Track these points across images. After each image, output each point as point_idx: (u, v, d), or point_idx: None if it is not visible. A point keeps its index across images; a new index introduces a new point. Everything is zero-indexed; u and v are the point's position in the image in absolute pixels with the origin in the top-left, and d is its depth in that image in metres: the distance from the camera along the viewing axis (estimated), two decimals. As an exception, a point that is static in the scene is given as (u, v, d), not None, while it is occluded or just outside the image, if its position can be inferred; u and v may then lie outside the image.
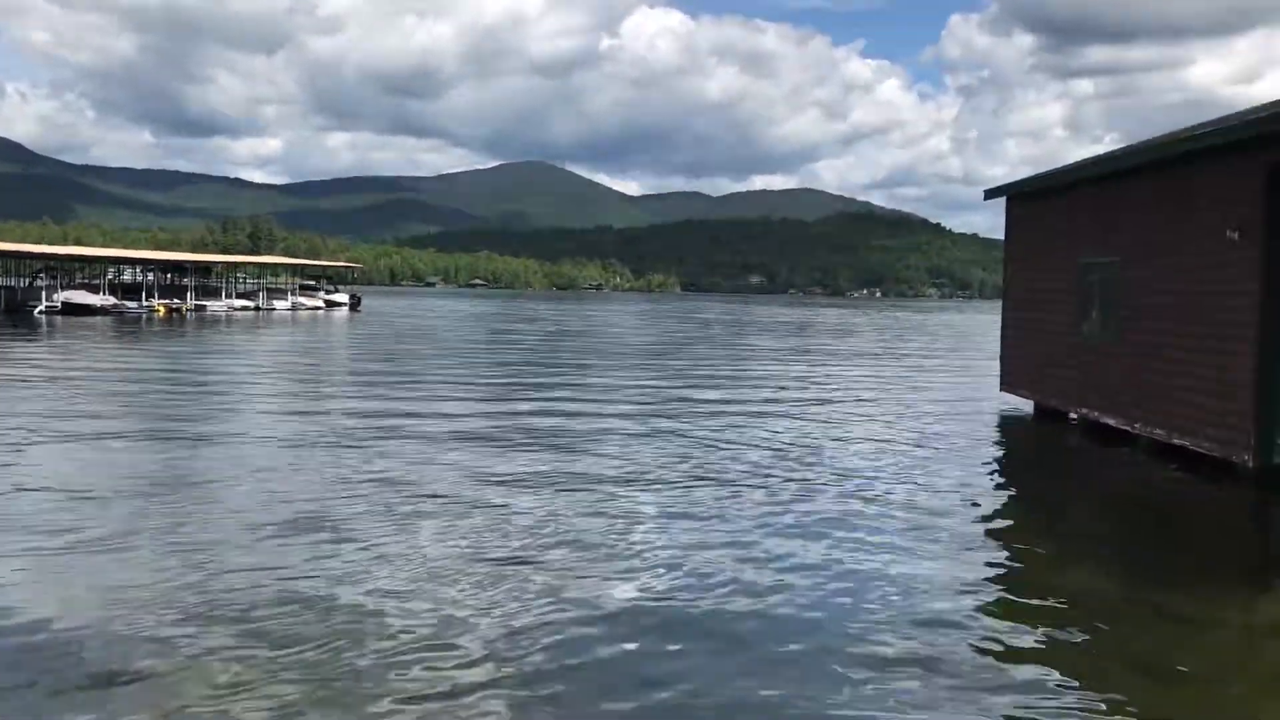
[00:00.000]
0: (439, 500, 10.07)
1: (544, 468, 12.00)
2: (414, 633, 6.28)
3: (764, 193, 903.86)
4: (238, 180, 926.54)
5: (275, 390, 21.08)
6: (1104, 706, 5.51)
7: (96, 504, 9.63)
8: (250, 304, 71.20)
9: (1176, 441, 13.43)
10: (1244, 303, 12.10)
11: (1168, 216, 13.87)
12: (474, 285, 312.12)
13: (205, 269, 75.57)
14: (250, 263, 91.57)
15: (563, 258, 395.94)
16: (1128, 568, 8.57)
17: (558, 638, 6.28)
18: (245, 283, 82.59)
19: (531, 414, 17.22)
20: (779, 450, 13.68)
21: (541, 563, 7.93)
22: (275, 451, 12.78)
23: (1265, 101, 14.00)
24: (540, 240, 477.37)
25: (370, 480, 10.95)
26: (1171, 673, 6.12)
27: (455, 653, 5.99)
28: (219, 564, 7.65)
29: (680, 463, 12.50)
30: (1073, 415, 16.89)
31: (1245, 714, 5.57)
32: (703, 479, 11.50)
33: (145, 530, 8.60)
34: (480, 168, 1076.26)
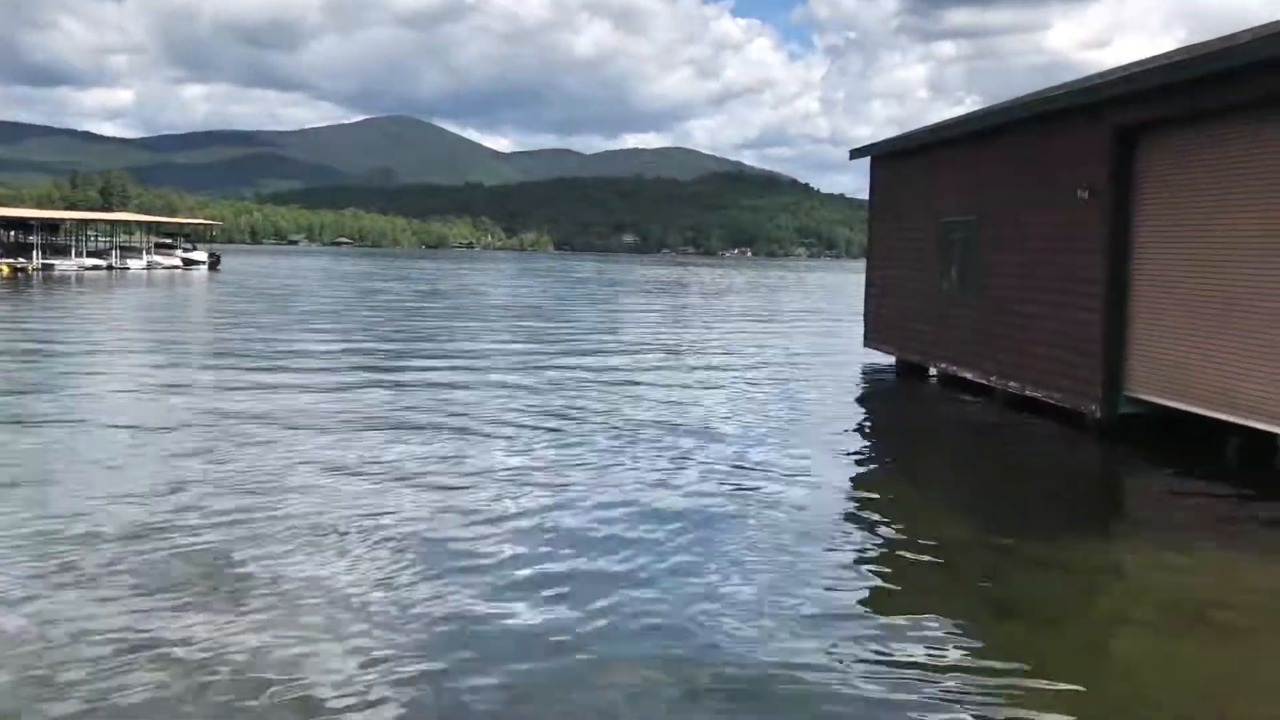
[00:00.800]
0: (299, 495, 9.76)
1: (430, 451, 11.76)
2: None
3: (636, 151, 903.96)
4: (86, 133, 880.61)
5: (122, 362, 20.16)
6: (963, 648, 5.67)
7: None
8: (102, 263, 67.93)
9: (1030, 394, 13.95)
10: (1093, 260, 12.59)
11: (1024, 177, 14.31)
12: (339, 244, 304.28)
13: (52, 226, 71.72)
14: (101, 220, 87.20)
15: (432, 215, 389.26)
16: (982, 515, 8.86)
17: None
18: (97, 241, 78.71)
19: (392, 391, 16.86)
20: (653, 409, 13.72)
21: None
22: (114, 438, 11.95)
23: (1115, 65, 14.54)
24: (409, 197, 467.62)
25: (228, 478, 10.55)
26: (1023, 613, 6.34)
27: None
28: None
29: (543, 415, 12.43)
30: (932, 370, 17.39)
31: (1088, 648, 5.80)
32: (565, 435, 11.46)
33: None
34: (345, 122, 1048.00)
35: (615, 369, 18.34)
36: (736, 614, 6.09)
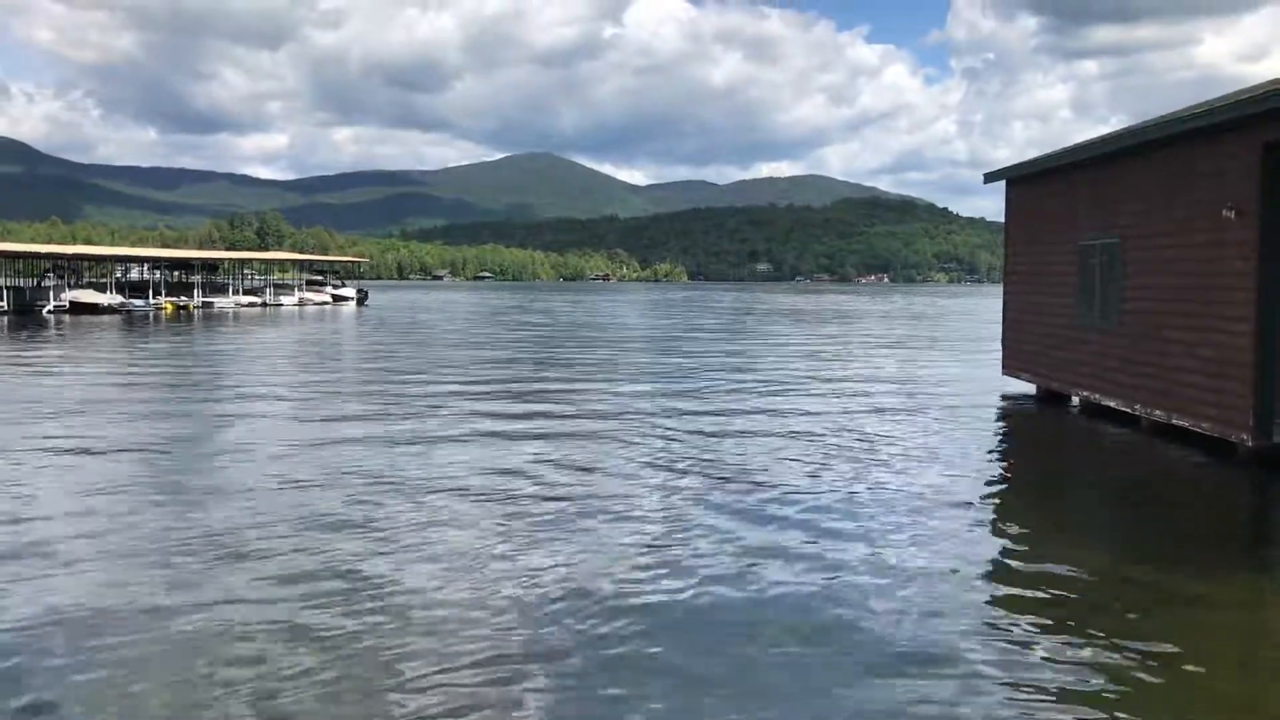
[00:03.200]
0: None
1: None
2: None
3: (770, 180, 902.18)
4: (244, 176, 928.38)
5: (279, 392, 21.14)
6: (1097, 688, 5.54)
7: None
8: (257, 300, 71.36)
9: (1176, 422, 13.42)
10: (1241, 282, 12.09)
11: (1166, 197, 13.84)
12: (481, 278, 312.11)
13: (211, 266, 75.84)
14: (256, 259, 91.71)
15: (569, 249, 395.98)
16: (1126, 547, 8.58)
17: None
18: (252, 279, 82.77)
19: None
20: (803, 435, 13.72)
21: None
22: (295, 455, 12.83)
23: (1266, 79, 13.95)
24: (546, 231, 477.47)
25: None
26: (1170, 655, 6.14)
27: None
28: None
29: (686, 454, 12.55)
30: (1074, 398, 16.88)
31: (1244, 697, 5.58)
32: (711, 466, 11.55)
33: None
34: (485, 160, 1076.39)
35: (773, 409, 18.36)
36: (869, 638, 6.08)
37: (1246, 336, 11.95)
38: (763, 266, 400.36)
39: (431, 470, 11.27)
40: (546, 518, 9.14)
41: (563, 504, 9.66)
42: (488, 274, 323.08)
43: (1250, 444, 11.89)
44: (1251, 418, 11.86)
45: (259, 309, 66.05)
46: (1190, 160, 13.21)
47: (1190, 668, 5.89)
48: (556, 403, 17.69)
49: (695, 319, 56.20)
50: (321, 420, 15.45)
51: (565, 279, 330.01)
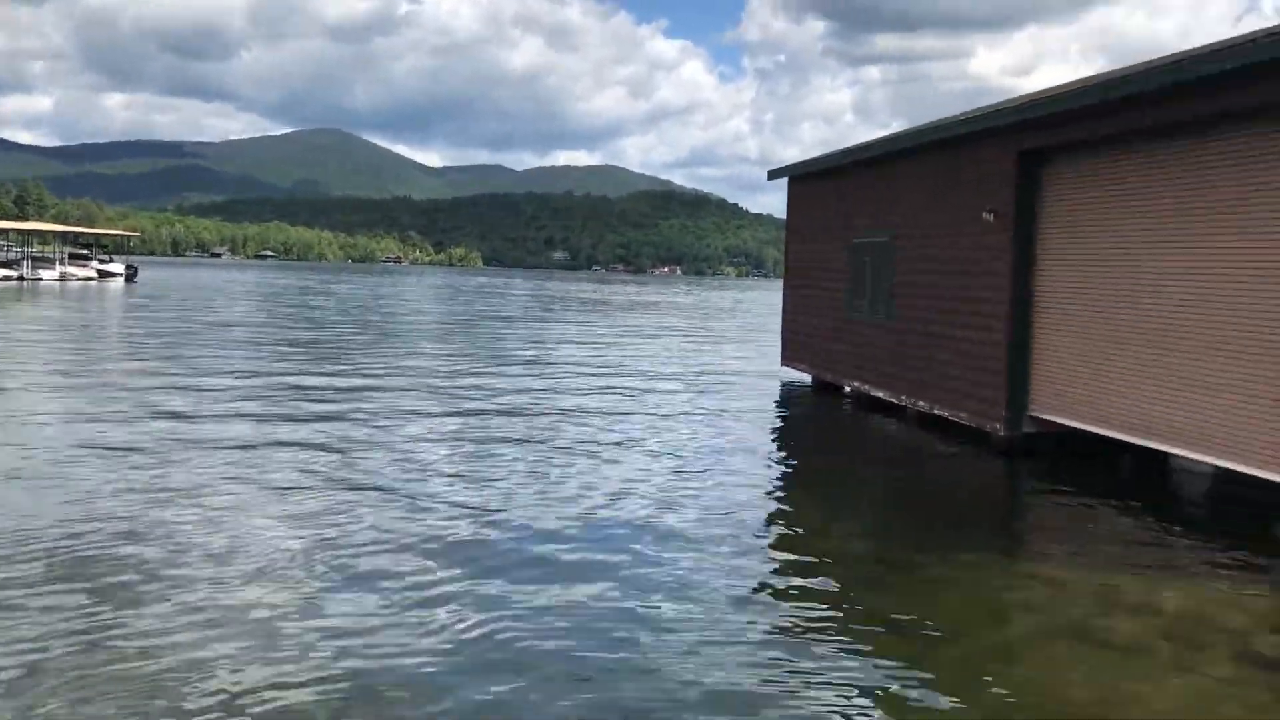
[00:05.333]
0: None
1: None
2: None
3: (568, 168, 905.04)
4: (1, 141, 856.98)
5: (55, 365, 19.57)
6: (852, 664, 5.72)
7: None
8: (12, 274, 65.94)
9: (938, 413, 14.17)
10: (998, 282, 12.85)
11: (934, 199, 14.57)
12: (264, 256, 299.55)
13: (-42, 236, 69.54)
14: (13, 229, 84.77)
15: (359, 229, 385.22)
16: (884, 532, 8.96)
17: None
18: (8, 251, 76.34)
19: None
20: (578, 417, 13.68)
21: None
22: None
23: (1032, 91, 14.87)
24: (335, 211, 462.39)
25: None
26: (915, 630, 6.41)
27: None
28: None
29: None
30: (847, 388, 17.59)
31: (975, 664, 5.87)
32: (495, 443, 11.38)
33: None
34: (271, 134, 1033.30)
35: (549, 390, 18.25)
36: (627, 633, 6.08)
37: (1001, 333, 12.72)
38: (560, 255, 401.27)
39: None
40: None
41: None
42: (270, 253, 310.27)
43: (1002, 433, 12.67)
44: (1004, 409, 12.64)
45: (15, 283, 61.08)
46: (956, 165, 13.94)
47: (930, 637, 6.17)
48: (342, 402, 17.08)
49: (493, 306, 55.62)
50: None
51: (354, 260, 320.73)
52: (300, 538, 7.81)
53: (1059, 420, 12.12)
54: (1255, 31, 10.74)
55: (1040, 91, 15.04)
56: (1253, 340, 9.22)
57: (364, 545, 7.65)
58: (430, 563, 7.31)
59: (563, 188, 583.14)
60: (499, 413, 14.52)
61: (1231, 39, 11.00)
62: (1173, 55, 12.09)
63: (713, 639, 6.04)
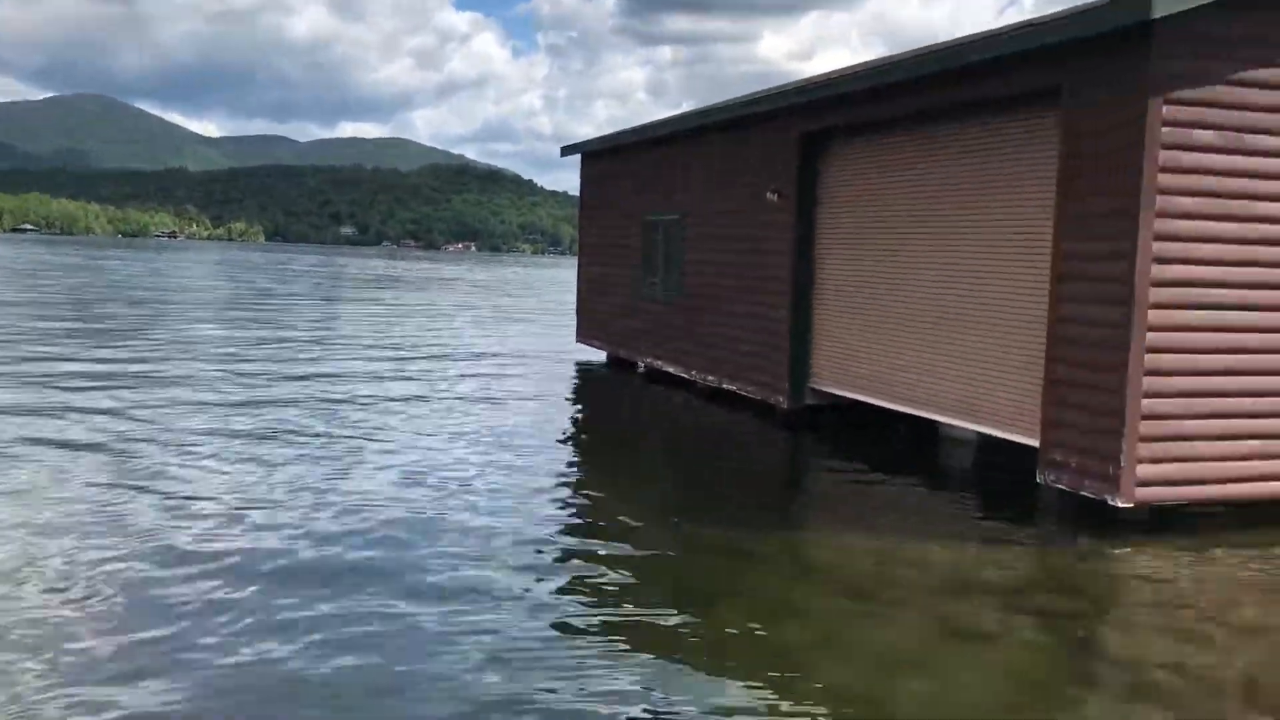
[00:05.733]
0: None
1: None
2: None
3: (354, 140, 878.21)
4: None
5: None
6: (640, 633, 5.84)
7: None
8: None
9: (727, 387, 14.60)
10: (781, 260, 13.32)
11: (722, 179, 14.94)
12: (22, 230, 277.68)
13: None
14: None
15: (130, 202, 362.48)
16: (674, 504, 9.16)
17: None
18: None
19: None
20: (369, 405, 13.34)
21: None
22: None
23: (815, 74, 15.41)
24: (104, 182, 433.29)
25: None
26: (702, 597, 6.61)
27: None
28: None
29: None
30: (640, 365, 17.88)
31: (757, 629, 6.11)
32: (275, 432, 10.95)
33: None
34: (28, 99, 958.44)
35: (342, 374, 17.70)
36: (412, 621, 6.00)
37: (785, 309, 13.21)
38: (347, 230, 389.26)
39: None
40: None
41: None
42: (30, 226, 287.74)
43: (786, 406, 13.18)
44: (787, 383, 13.15)
45: None
46: (743, 146, 14.34)
47: (724, 611, 6.38)
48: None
49: (278, 284, 53.45)
50: None
51: (126, 235, 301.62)
52: (40, 549, 7.32)
53: (839, 392, 12.71)
54: (1015, 24, 11.49)
55: (821, 75, 15.65)
56: (1008, 315, 9.90)
57: (117, 556, 6.90)
58: (193, 571, 6.59)
59: (350, 160, 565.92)
60: (279, 401, 13.91)
61: (992, 30, 11.74)
62: (941, 44, 12.81)
63: (502, 634, 5.93)
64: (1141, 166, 8.06)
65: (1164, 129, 8.04)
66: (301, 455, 10.23)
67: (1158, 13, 7.76)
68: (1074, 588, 7.24)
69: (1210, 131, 8.16)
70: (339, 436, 11.24)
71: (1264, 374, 8.50)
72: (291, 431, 11.41)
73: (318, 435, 11.28)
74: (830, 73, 15.02)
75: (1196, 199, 8.19)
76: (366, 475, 9.51)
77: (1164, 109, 8.02)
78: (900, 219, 11.52)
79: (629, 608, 6.41)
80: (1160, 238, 8.12)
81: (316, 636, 5.65)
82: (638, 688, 5.20)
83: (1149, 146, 8.04)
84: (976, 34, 12.16)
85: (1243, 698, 5.39)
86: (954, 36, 13.51)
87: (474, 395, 14.91)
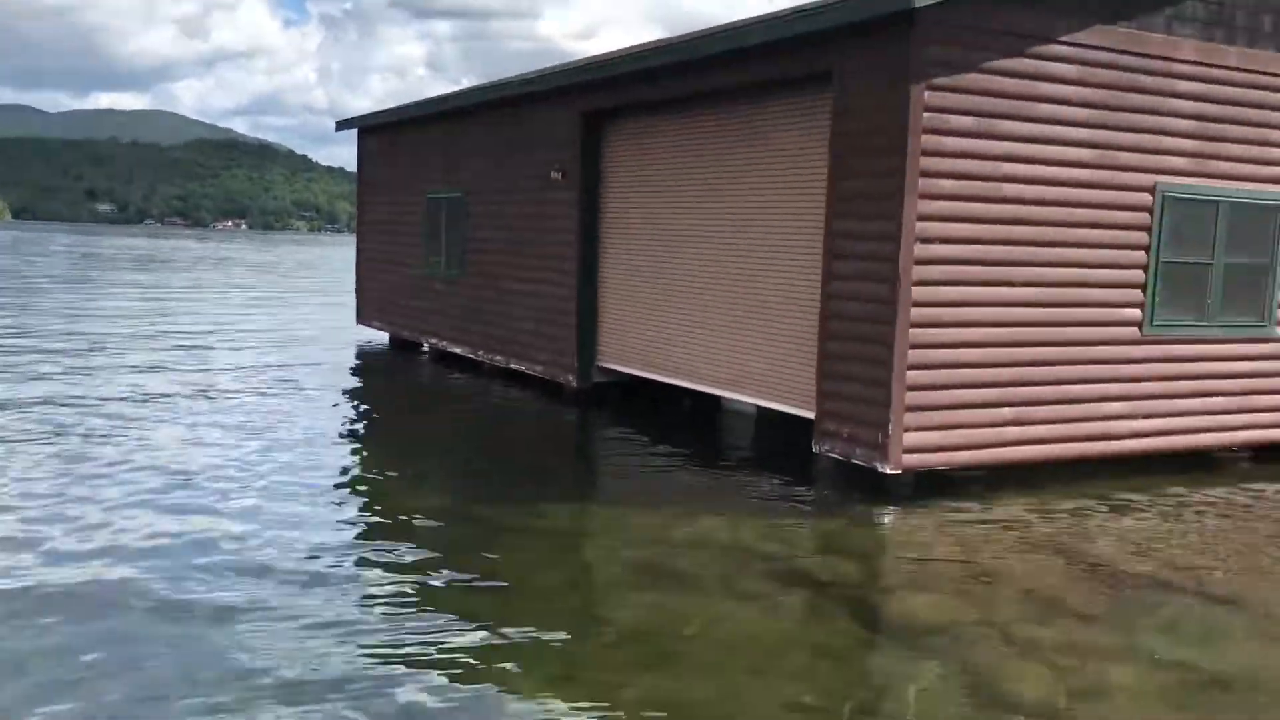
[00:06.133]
0: None
1: None
2: None
3: (111, 112, 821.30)
4: None
5: None
6: (442, 620, 5.73)
7: None
8: None
9: (515, 367, 14.51)
10: (566, 239, 13.32)
11: (505, 156, 14.79)
12: None
13: None
14: None
15: None
16: (465, 487, 9.05)
17: None
18: None
19: None
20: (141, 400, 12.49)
21: None
22: None
23: (598, 53, 15.44)
24: None
25: None
26: (499, 579, 6.55)
27: None
28: None
29: (-13, 414, 10.86)
30: (425, 345, 17.53)
31: (555, 606, 6.10)
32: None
33: None
34: None
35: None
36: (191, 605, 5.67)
37: (571, 288, 13.22)
38: (105, 207, 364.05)
39: None
40: None
41: None
42: None
43: (575, 384, 13.22)
44: (575, 361, 13.19)
45: None
46: (527, 123, 14.22)
47: (513, 589, 6.35)
48: None
49: (27, 265, 49.45)
50: None
51: None
52: None
53: (625, 370, 12.85)
54: (791, 8, 11.84)
55: (603, 55, 15.70)
56: (784, 292, 10.25)
57: None
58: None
59: (106, 133, 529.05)
60: (23, 402, 12.86)
61: (768, 14, 12.07)
62: (721, 25, 13.07)
63: (288, 625, 5.72)
64: (905, 149, 8.48)
65: (925, 114, 8.48)
66: (47, 459, 9.28)
67: (920, 1, 8.15)
68: (846, 552, 7.59)
69: (967, 117, 8.66)
70: (95, 437, 10.46)
71: (1016, 345, 9.13)
72: (38, 432, 10.55)
73: (67, 435, 10.48)
74: (613, 52, 15.10)
75: (956, 181, 8.69)
76: (118, 480, 8.64)
77: (925, 94, 8.45)
78: (683, 198, 11.72)
79: (418, 603, 6.27)
80: (923, 218, 8.57)
81: (49, 676, 4.92)
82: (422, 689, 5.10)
83: (912, 130, 8.46)
84: (755, 17, 12.48)
85: (1002, 641, 5.78)
86: (731, 19, 13.83)
87: (248, 386, 14.19)
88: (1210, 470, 10.26)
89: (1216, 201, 9.88)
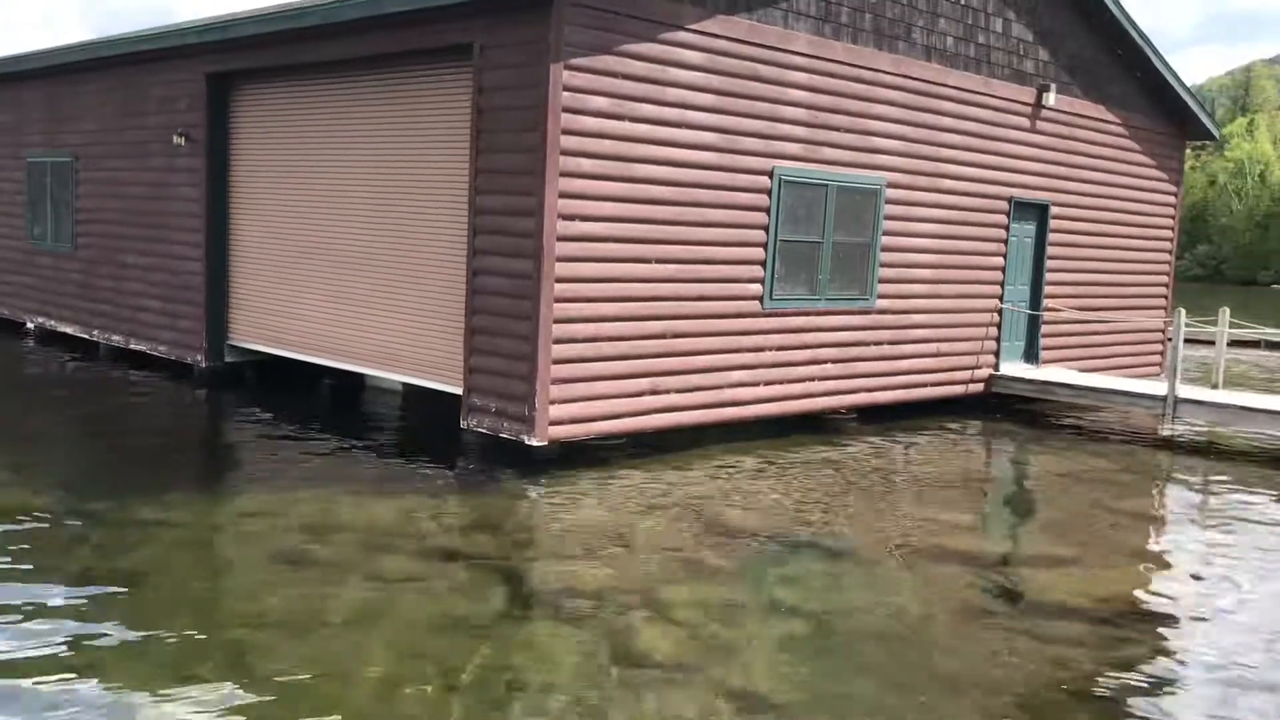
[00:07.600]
0: None
1: None
2: None
3: None
4: None
5: None
6: (69, 625, 5.20)
7: None
8: None
9: (135, 347, 13.41)
10: (192, 208, 12.44)
11: (122, 119, 13.57)
12: None
13: None
14: None
15: None
16: (79, 480, 8.27)
17: None
18: None
19: None
20: None
21: None
22: None
23: (218, 14, 14.44)
24: None
25: None
26: (131, 579, 6.04)
27: None
28: None
29: None
30: (30, 324, 15.80)
31: (184, 602, 5.71)
32: None
33: None
34: None
35: None
36: None
37: (198, 261, 12.37)
38: None
39: None
40: None
41: None
42: None
43: (205, 364, 12.41)
44: (204, 340, 12.37)
45: None
46: (145, 84, 13.11)
47: (146, 585, 5.90)
48: None
49: None
50: None
51: None
52: None
53: (261, 348, 12.21)
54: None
55: (231, 14, 14.70)
56: (431, 267, 10.13)
57: None
58: None
59: None
60: None
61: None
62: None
63: None
64: (546, 129, 8.60)
65: (565, 93, 8.65)
66: None
67: (557, -18, 8.28)
68: (494, 527, 7.64)
69: (604, 98, 8.92)
70: None
71: (653, 319, 9.55)
72: None
73: None
74: (243, 12, 14.18)
75: (594, 161, 8.93)
76: None
77: (565, 75, 8.61)
78: (324, 168, 11.25)
79: (36, 600, 5.66)
80: (564, 195, 8.75)
81: None
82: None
83: (552, 109, 8.60)
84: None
85: (643, 604, 6.05)
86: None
87: None
88: (823, 431, 11.25)
89: (826, 185, 10.81)
